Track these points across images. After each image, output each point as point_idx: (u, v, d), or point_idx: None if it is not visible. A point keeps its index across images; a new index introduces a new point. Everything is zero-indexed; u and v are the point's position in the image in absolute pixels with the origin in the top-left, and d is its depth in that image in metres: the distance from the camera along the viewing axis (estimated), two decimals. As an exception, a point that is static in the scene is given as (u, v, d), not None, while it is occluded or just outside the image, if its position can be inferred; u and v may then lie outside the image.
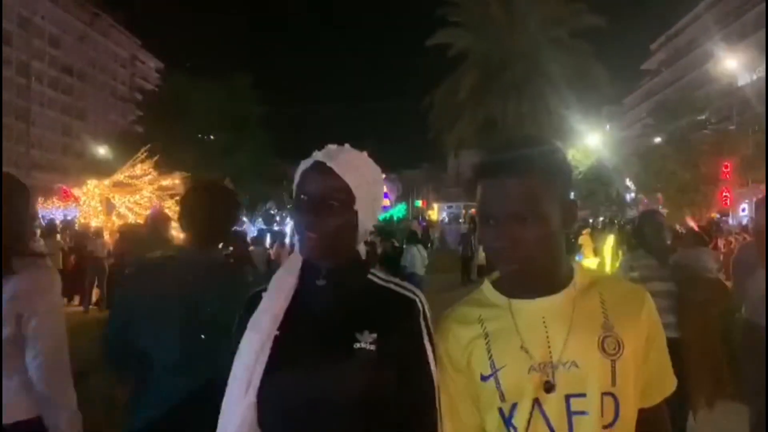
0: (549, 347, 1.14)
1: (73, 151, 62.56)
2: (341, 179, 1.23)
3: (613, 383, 1.12)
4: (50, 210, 27.58)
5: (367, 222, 1.29)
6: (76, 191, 10.63)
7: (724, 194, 20.77)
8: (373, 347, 1.20)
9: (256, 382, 1.20)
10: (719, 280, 4.21)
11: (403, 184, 70.26)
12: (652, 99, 52.65)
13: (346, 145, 1.31)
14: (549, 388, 1.12)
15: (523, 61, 20.73)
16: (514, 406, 1.15)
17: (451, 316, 1.28)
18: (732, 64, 26.39)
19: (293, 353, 1.21)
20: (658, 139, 28.32)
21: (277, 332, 1.23)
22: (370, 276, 1.32)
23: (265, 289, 1.31)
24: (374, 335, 1.21)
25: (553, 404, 1.13)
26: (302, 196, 1.24)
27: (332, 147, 1.29)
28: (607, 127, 45.45)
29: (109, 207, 10.18)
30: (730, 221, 21.04)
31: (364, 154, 1.32)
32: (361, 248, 1.48)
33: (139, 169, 10.74)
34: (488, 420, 1.19)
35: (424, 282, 10.94)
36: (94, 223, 9.72)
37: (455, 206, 53.02)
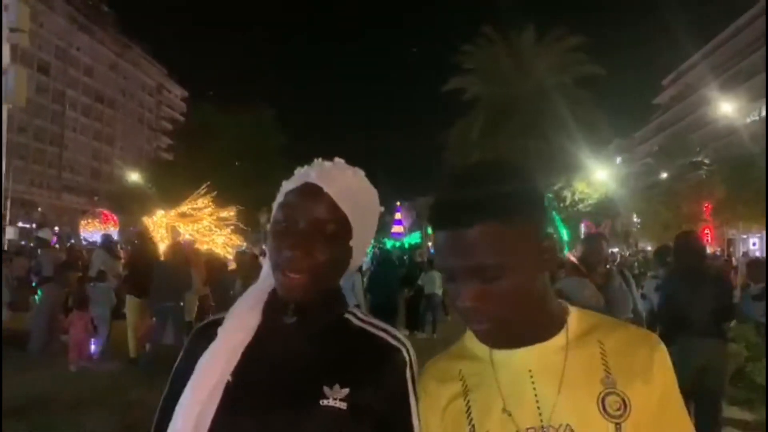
0: (538, 407, 0.94)
1: (102, 175, 65.27)
2: (338, 208, 1.02)
3: None
4: (92, 232, 29.44)
5: (358, 258, 1.10)
6: (146, 219, 12.29)
7: (705, 231, 22.67)
8: (344, 405, 0.99)
9: None
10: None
11: (416, 211, 71.07)
12: (661, 134, 53.92)
13: (341, 161, 1.10)
14: None
15: (529, 106, 22.64)
16: None
17: (428, 371, 1.09)
18: (727, 107, 27.88)
19: (246, 406, 1.00)
20: (664, 175, 29.70)
21: (230, 378, 1.02)
22: (347, 315, 1.12)
23: (218, 321, 1.10)
24: (346, 390, 1.00)
25: None
26: (284, 223, 1.03)
27: (326, 164, 1.08)
28: (618, 159, 46.29)
29: (174, 234, 11.81)
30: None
31: (361, 173, 1.10)
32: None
33: (200, 202, 12.42)
34: None
35: (441, 301, 12.02)
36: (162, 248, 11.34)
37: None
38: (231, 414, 0.99)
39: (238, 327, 1.06)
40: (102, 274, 8.66)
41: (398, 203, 64.94)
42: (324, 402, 0.99)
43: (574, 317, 1.02)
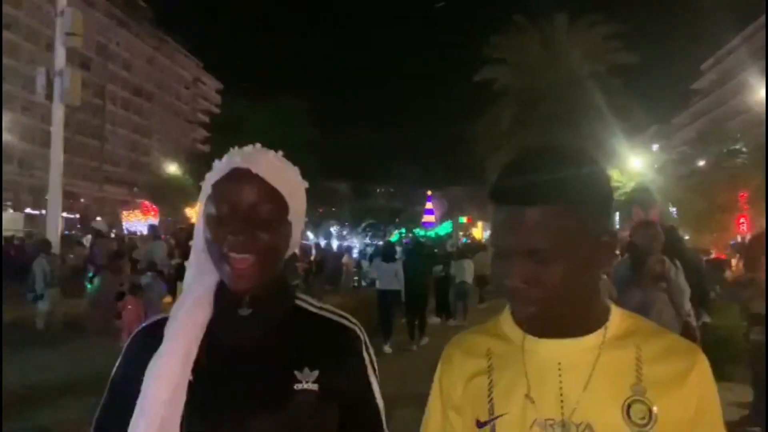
0: (561, 401, 0.93)
1: (140, 167, 67.23)
2: (272, 187, 1.02)
3: None
4: (133, 222, 30.59)
5: (297, 235, 1.09)
6: (188, 210, 12.98)
7: (740, 221, 22.35)
8: (315, 386, 1.02)
9: None
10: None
11: (447, 200, 70.69)
12: (699, 120, 52.64)
13: (258, 145, 1.08)
14: None
15: (561, 95, 22.50)
16: None
17: (456, 343, 1.09)
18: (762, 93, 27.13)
19: (217, 401, 0.99)
20: (701, 162, 29.08)
21: (191, 378, 0.99)
22: (298, 302, 1.13)
23: (160, 323, 1.06)
24: (316, 372, 1.03)
25: None
26: (221, 213, 1.00)
27: (247, 149, 1.06)
28: (655, 146, 45.24)
29: None
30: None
31: (280, 154, 1.09)
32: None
33: None
34: None
35: (471, 289, 12.71)
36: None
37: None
38: (202, 412, 0.99)
39: (190, 324, 1.03)
40: (153, 264, 9.27)
41: (429, 192, 64.80)
42: (298, 386, 1.01)
43: (616, 318, 0.98)
